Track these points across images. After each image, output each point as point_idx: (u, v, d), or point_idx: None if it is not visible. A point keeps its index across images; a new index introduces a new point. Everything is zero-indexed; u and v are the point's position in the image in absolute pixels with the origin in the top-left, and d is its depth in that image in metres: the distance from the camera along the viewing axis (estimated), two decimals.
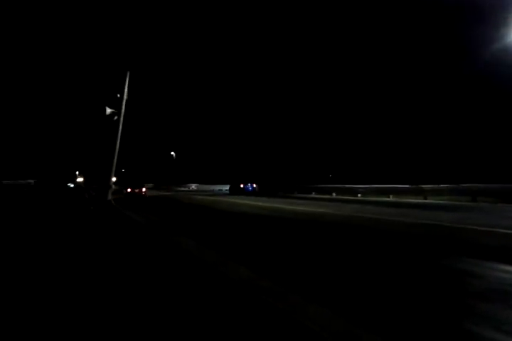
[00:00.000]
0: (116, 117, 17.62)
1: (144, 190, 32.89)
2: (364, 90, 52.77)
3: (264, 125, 65.15)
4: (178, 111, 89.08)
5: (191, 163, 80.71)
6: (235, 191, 40.84)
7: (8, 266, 4.89)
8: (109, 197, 17.08)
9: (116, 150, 17.54)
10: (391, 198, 24.84)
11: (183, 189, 63.67)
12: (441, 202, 20.05)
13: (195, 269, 4.51)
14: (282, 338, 2.62)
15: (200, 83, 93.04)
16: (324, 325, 2.82)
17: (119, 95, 17.83)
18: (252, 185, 41.62)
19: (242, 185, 41.13)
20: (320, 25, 63.73)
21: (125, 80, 17.90)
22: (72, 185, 55.11)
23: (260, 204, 19.29)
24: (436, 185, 23.89)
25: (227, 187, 47.47)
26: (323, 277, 4.38)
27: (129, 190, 32.31)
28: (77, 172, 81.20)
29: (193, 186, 68.83)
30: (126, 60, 17.59)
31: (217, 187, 58.94)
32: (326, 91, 57.09)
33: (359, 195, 28.70)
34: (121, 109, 17.64)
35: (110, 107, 17.49)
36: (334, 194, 30.84)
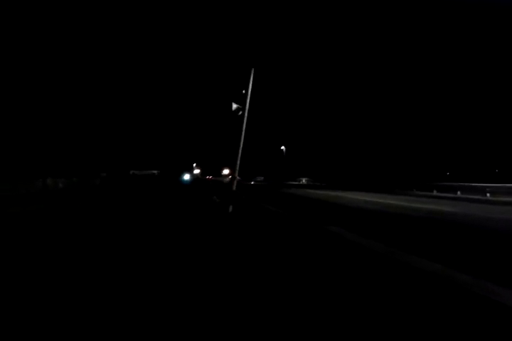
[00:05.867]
0: (240, 112, 18.29)
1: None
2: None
3: (379, 121, 62.69)
4: (290, 106, 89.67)
5: (302, 157, 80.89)
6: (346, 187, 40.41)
7: None
8: (234, 187, 17.75)
9: (241, 144, 18.26)
10: None
11: (293, 183, 64.52)
12: None
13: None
14: None
15: (315, 77, 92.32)
16: None
17: (244, 91, 18.46)
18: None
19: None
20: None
21: (250, 77, 18.43)
22: (187, 176, 58.62)
23: (379, 200, 18.73)
24: None
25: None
26: None
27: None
28: (194, 164, 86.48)
29: (304, 180, 69.23)
30: (250, 57, 18.15)
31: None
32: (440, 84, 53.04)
33: (488, 195, 26.32)
34: (245, 104, 18.26)
35: (235, 103, 18.16)
36: (459, 192, 28.68)
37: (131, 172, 54.46)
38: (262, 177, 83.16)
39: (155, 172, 57.82)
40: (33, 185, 22.22)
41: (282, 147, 77.65)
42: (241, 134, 17.67)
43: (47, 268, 4.66)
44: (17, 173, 23.45)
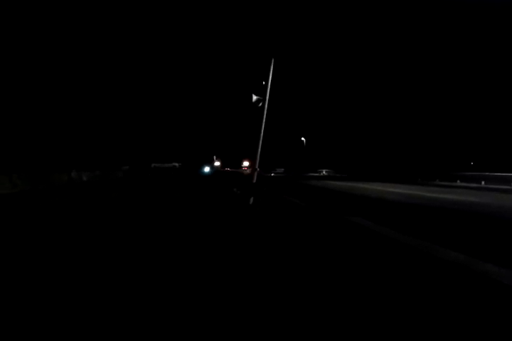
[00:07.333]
0: (260, 104, 18.24)
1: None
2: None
3: (401, 110, 61.60)
4: (310, 97, 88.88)
5: (322, 148, 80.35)
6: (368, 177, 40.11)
7: None
8: (255, 180, 17.76)
9: (261, 136, 18.26)
10: None
11: (314, 174, 64.35)
12: None
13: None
14: None
15: (336, 67, 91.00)
16: None
17: (264, 82, 18.39)
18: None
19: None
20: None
21: (270, 67, 18.33)
22: (207, 169, 59.01)
23: (402, 191, 18.54)
24: None
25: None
26: None
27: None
28: (214, 157, 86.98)
29: (324, 172, 68.95)
30: (270, 48, 18.09)
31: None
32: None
33: None
34: (265, 96, 18.20)
35: (255, 94, 18.11)
36: (483, 182, 28.14)
37: (153, 165, 55.11)
38: (283, 169, 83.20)
39: (176, 164, 58.31)
40: (60, 178, 22.79)
41: (302, 138, 77.34)
42: (261, 126, 17.71)
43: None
44: (45, 167, 24.09)
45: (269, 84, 17.45)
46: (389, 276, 3.87)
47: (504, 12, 44.35)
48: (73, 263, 4.62)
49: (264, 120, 17.43)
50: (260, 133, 17.46)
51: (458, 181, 31.05)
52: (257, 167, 18.58)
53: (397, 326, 2.75)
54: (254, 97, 17.16)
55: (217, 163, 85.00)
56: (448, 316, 2.89)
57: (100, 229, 7.09)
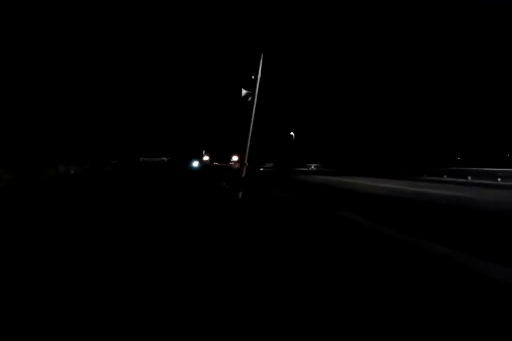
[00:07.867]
0: (250, 98, 18.20)
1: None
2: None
3: (389, 106, 61.89)
4: (300, 91, 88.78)
5: (311, 143, 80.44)
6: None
7: None
8: (244, 174, 17.78)
9: (250, 131, 18.24)
10: None
11: (303, 169, 64.63)
12: None
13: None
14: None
15: (325, 61, 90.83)
16: None
17: (253, 77, 18.35)
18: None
19: None
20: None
21: (259, 62, 18.28)
22: (196, 163, 58.92)
23: (390, 186, 18.68)
24: None
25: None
26: None
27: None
28: (203, 151, 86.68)
29: (313, 166, 69.20)
30: (259, 42, 17.98)
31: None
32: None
33: (499, 179, 26.11)
34: (255, 90, 18.17)
35: (245, 89, 18.07)
36: (470, 177, 28.48)
37: (141, 159, 54.78)
38: (272, 164, 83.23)
39: (165, 159, 57.97)
40: (48, 172, 22.60)
41: (291, 133, 77.42)
42: (250, 120, 17.67)
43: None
44: (33, 162, 23.90)
45: (259, 78, 17.41)
46: (375, 269, 3.91)
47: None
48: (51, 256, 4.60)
49: (253, 114, 17.40)
50: (249, 127, 17.45)
51: (445, 176, 31.36)
52: (245, 161, 18.57)
53: (383, 317, 2.79)
54: (244, 92, 17.11)
55: (206, 158, 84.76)
56: (432, 306, 2.94)
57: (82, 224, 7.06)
